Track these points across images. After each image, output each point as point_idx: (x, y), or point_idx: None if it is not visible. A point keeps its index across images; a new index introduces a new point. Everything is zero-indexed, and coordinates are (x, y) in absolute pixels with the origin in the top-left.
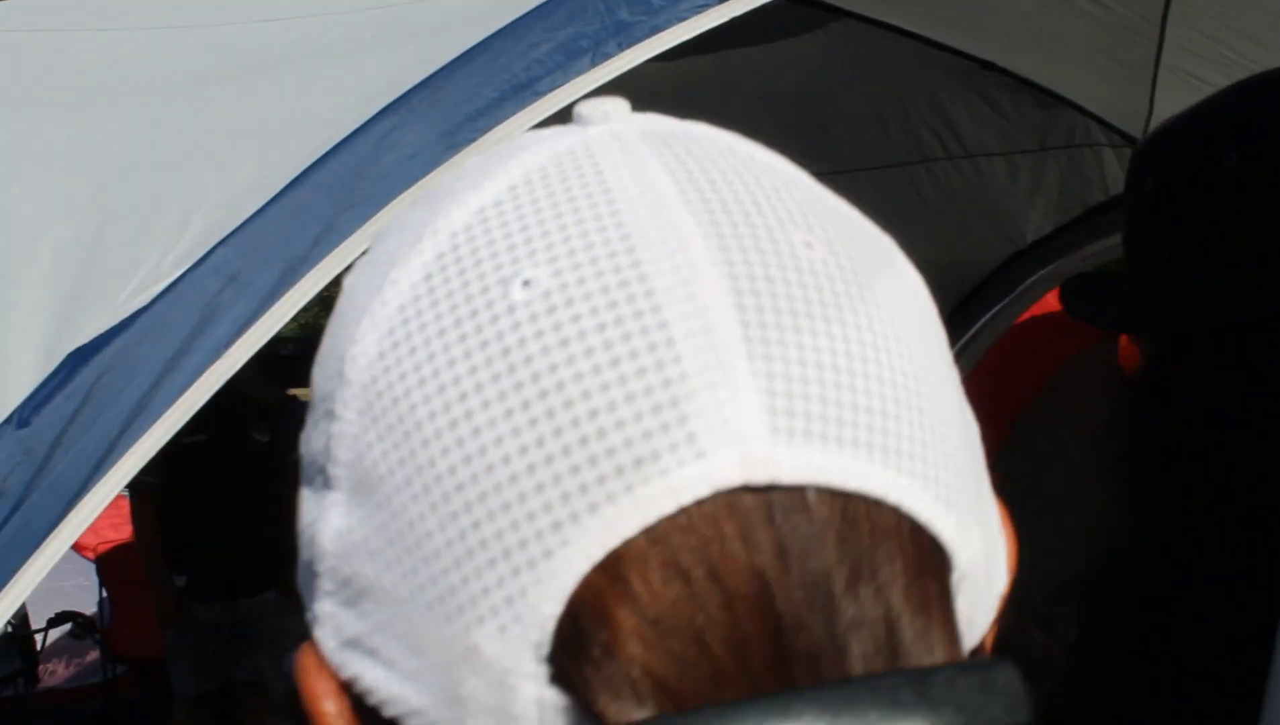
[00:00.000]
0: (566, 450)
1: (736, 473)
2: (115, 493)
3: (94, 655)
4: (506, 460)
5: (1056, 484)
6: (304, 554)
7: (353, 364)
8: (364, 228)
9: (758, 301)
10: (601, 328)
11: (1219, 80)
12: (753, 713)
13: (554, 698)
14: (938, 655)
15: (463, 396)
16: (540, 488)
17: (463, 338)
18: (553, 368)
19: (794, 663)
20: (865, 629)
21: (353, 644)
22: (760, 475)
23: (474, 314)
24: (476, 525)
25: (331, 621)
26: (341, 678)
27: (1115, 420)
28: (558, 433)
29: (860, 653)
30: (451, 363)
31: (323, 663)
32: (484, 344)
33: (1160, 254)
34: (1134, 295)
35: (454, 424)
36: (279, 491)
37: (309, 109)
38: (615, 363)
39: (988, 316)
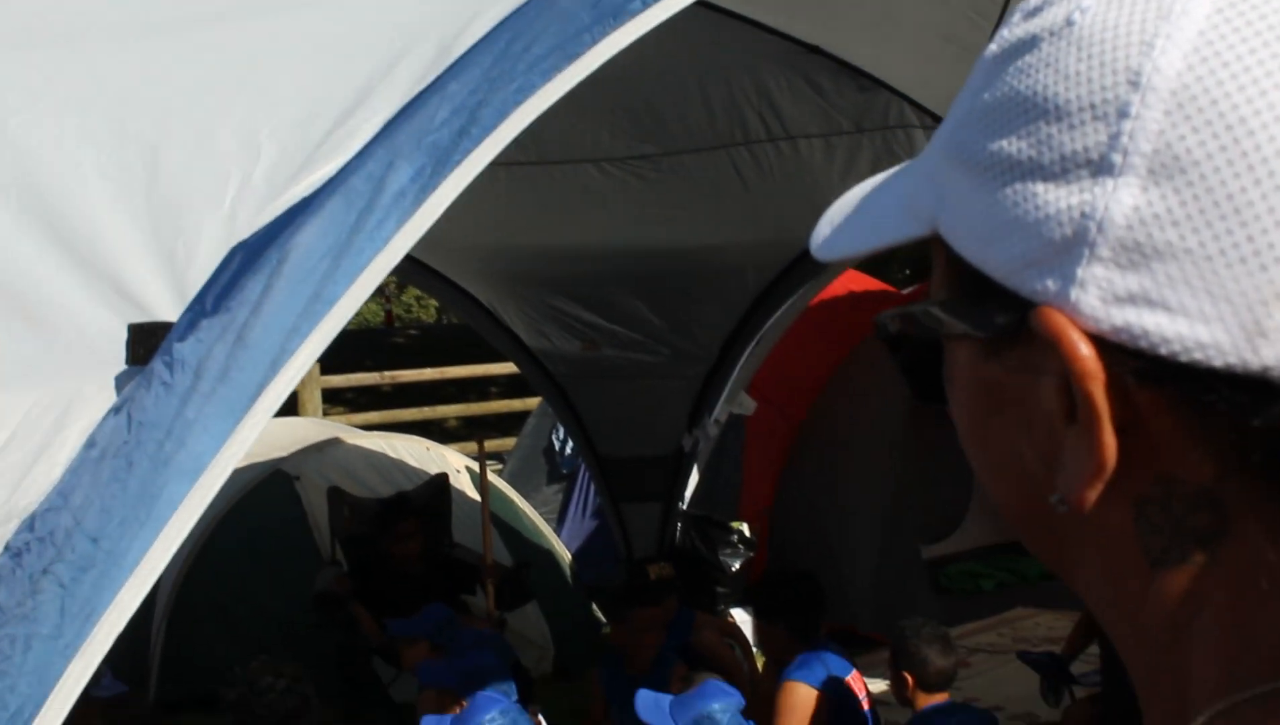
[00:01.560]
0: None
1: None
2: (312, 360)
3: None
4: None
5: (851, 462)
6: (1055, 236)
7: (1157, 75)
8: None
9: None
10: None
11: None
12: None
13: None
14: None
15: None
16: None
17: (1275, 56)
18: None
19: None
20: None
21: (1129, 299)
22: None
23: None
24: None
25: (1103, 283)
26: (1103, 328)
27: None
28: None
29: None
30: (1269, 74)
31: (1074, 320)
32: None
33: None
34: None
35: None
36: None
37: (321, 37)
38: None
39: (797, 294)
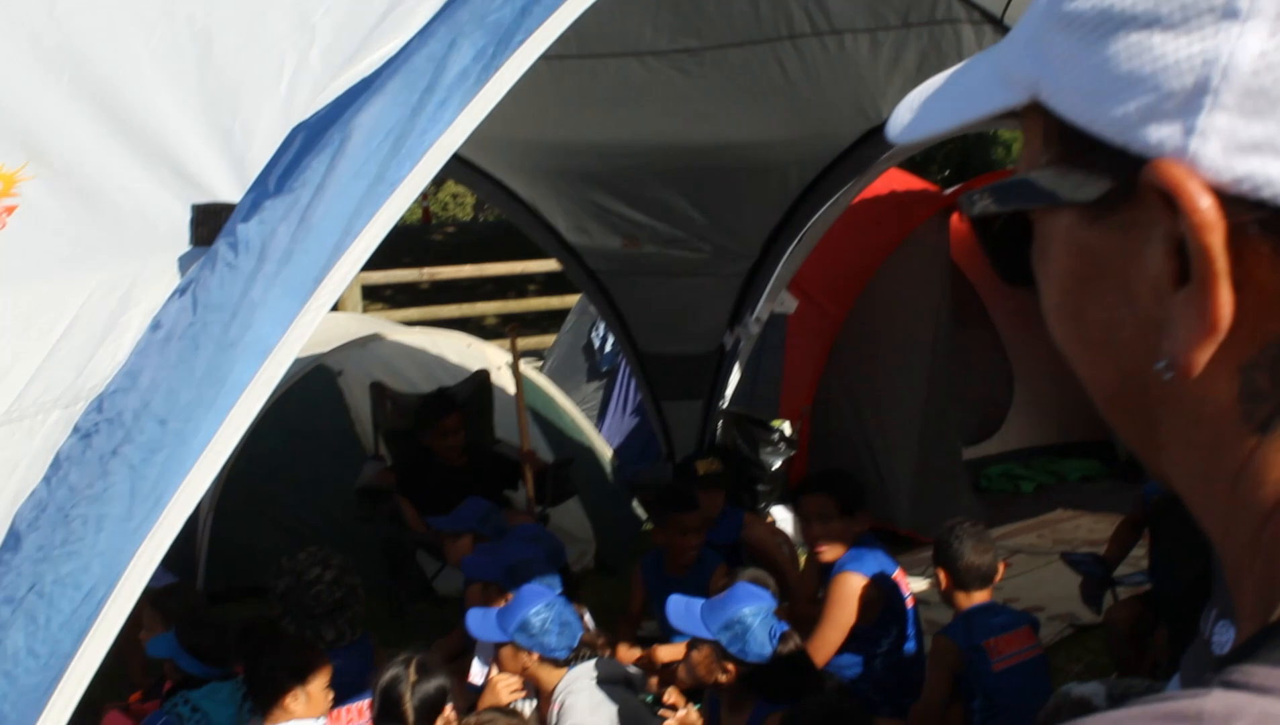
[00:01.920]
0: None
1: None
2: (376, 242)
3: None
4: None
5: (892, 361)
6: (1174, 86)
7: None
8: None
9: None
10: None
11: None
12: None
13: None
14: None
15: None
16: None
17: None
18: None
19: None
20: None
21: (1253, 147)
22: None
23: None
24: None
25: (1225, 132)
26: (1223, 179)
27: None
28: None
29: None
30: None
31: (1192, 172)
32: None
33: None
34: None
35: None
36: None
37: None
38: None
39: (840, 192)
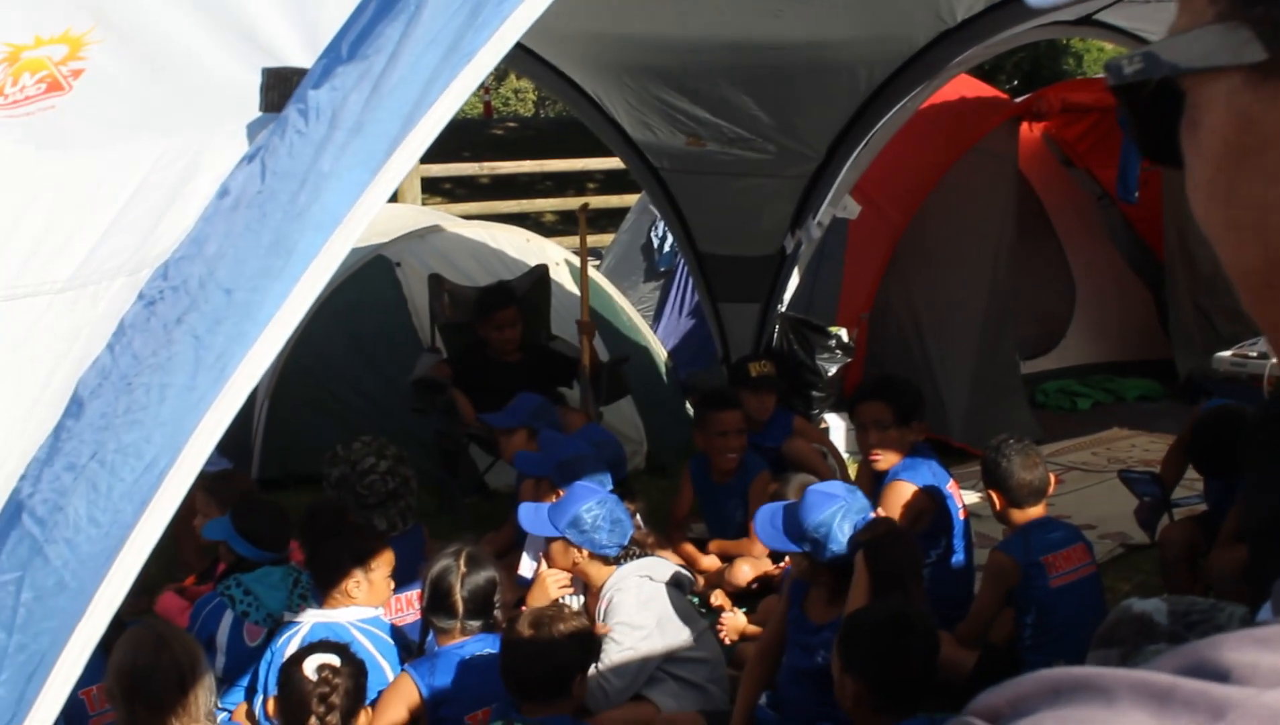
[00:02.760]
0: None
1: None
2: (450, 114)
3: None
4: None
5: (953, 270)
6: None
7: None
8: None
9: None
10: None
11: None
12: None
13: None
14: None
15: None
16: None
17: None
18: None
19: None
20: None
21: None
22: None
23: None
24: None
25: None
26: None
27: None
28: None
29: None
30: None
31: None
32: None
33: None
34: None
35: None
36: None
37: None
38: None
39: (910, 96)
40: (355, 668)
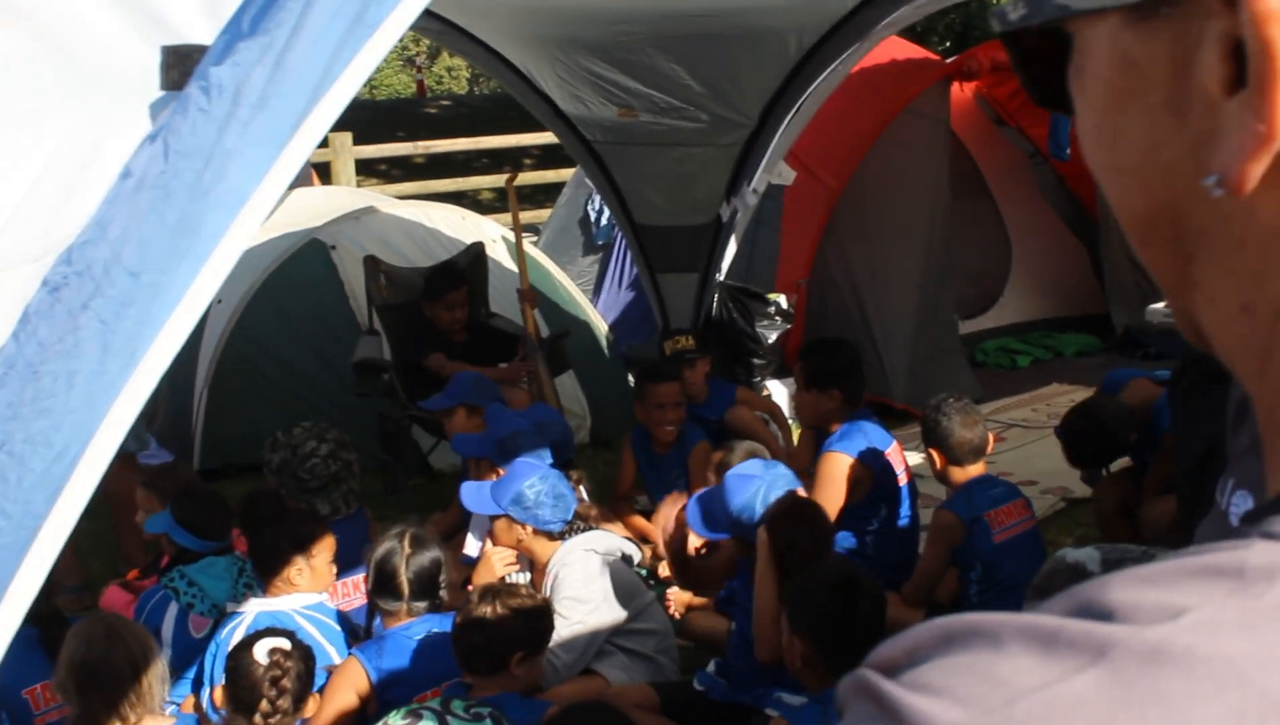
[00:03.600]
0: None
1: None
2: (357, 87)
3: None
4: None
5: (890, 233)
6: None
7: None
8: None
9: None
10: None
11: None
12: None
13: None
14: None
15: None
16: None
17: None
18: None
19: None
20: None
21: None
22: None
23: None
24: None
25: None
26: None
27: None
28: None
29: None
30: None
31: None
32: None
33: None
34: None
35: None
36: None
37: None
38: None
39: (840, 60)
40: (304, 652)
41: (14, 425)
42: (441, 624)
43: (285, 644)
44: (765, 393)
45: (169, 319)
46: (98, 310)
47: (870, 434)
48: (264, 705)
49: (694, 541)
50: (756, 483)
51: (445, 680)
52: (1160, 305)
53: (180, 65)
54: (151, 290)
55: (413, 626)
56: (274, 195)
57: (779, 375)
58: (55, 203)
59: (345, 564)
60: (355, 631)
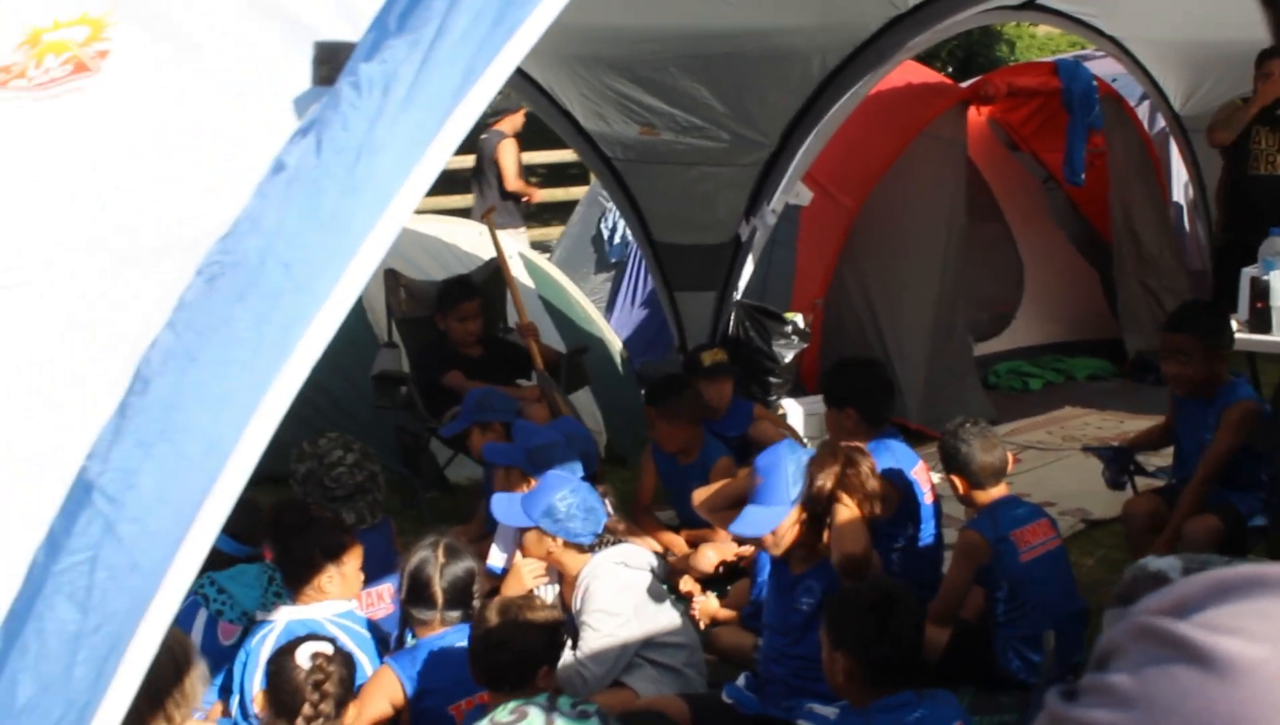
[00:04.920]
0: None
1: None
2: (501, 81)
3: None
4: None
5: (905, 255)
6: None
7: None
8: None
9: None
10: None
11: None
12: None
13: None
14: None
15: None
16: None
17: None
18: None
19: None
20: None
21: None
22: None
23: None
24: None
25: None
26: None
27: None
28: None
29: None
30: None
31: None
32: None
33: None
34: None
35: None
36: None
37: None
38: None
39: (861, 82)
40: (345, 658)
41: (174, 413)
42: None
43: (327, 648)
44: (780, 412)
45: (319, 312)
46: (252, 302)
47: (896, 452)
48: (306, 709)
49: (712, 559)
50: (787, 456)
51: (479, 691)
52: None
53: (330, 61)
54: (304, 283)
55: (446, 636)
56: (421, 191)
57: (794, 394)
58: (199, 191)
59: (371, 574)
60: (385, 640)
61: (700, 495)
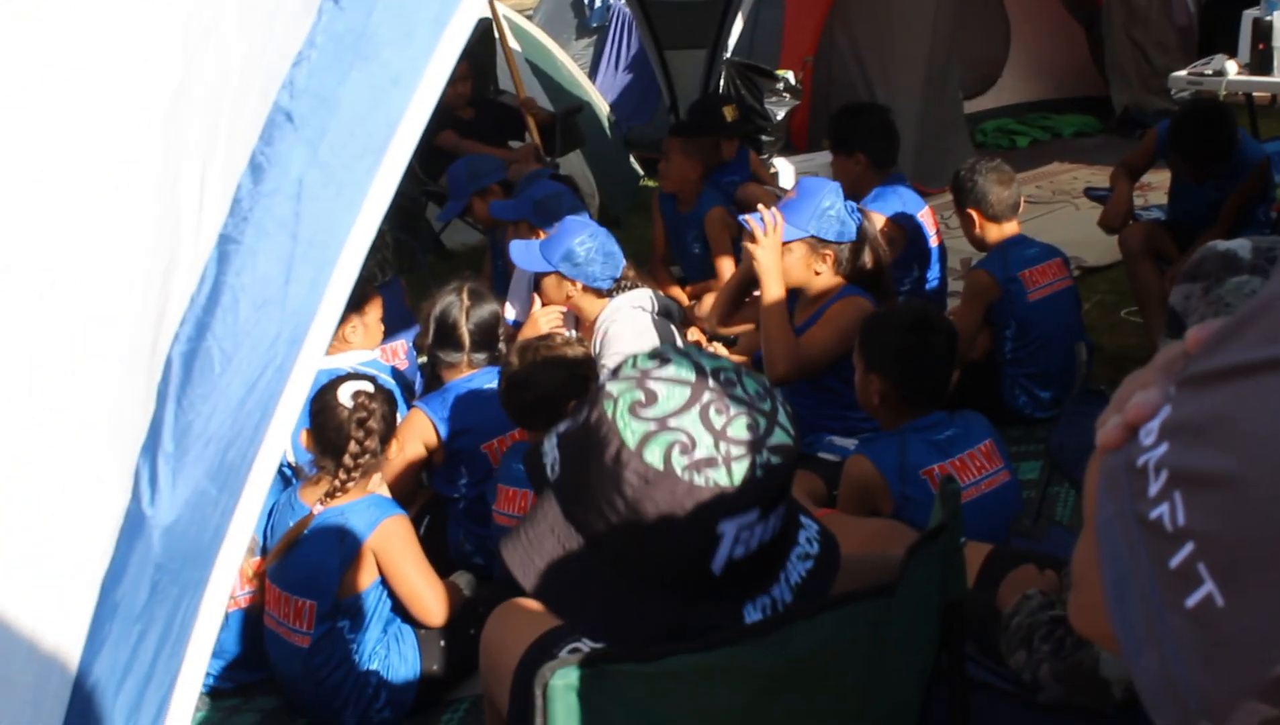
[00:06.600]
0: None
1: None
2: None
3: None
4: None
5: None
6: None
7: None
8: None
9: None
10: None
11: None
12: None
13: None
14: None
15: None
16: None
17: None
18: None
19: None
20: None
21: None
22: None
23: None
24: None
25: None
26: None
27: None
28: None
29: None
30: None
31: None
32: None
33: None
34: None
35: None
36: None
37: None
38: None
39: None
40: (386, 395)
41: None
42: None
43: (368, 387)
44: (772, 170)
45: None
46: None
47: (904, 197)
48: (352, 447)
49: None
50: (825, 186)
51: (509, 429)
52: (1183, 72)
53: None
54: (337, 190)
55: (474, 377)
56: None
57: (785, 152)
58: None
59: (385, 331)
60: (410, 388)
61: (707, 310)
